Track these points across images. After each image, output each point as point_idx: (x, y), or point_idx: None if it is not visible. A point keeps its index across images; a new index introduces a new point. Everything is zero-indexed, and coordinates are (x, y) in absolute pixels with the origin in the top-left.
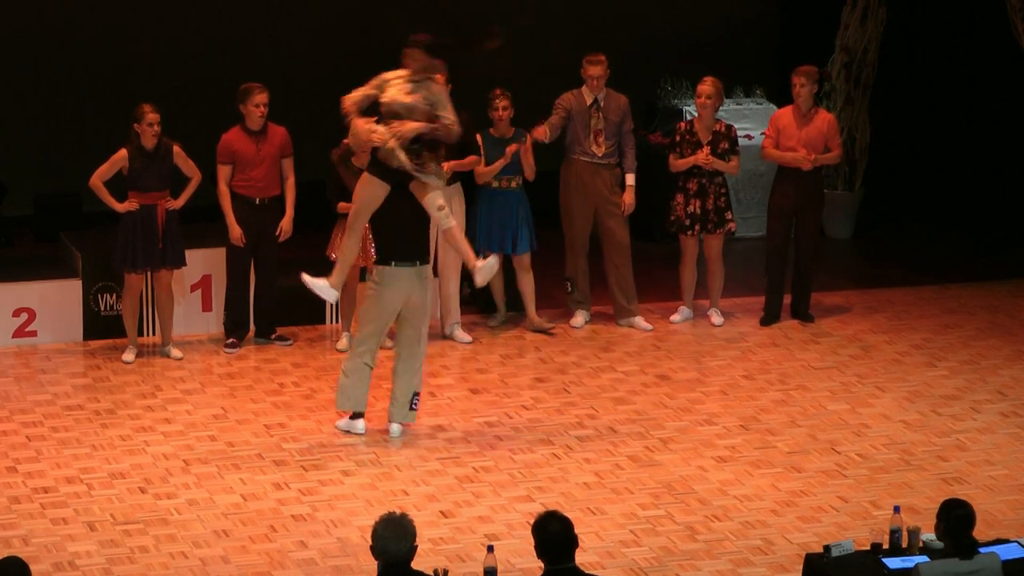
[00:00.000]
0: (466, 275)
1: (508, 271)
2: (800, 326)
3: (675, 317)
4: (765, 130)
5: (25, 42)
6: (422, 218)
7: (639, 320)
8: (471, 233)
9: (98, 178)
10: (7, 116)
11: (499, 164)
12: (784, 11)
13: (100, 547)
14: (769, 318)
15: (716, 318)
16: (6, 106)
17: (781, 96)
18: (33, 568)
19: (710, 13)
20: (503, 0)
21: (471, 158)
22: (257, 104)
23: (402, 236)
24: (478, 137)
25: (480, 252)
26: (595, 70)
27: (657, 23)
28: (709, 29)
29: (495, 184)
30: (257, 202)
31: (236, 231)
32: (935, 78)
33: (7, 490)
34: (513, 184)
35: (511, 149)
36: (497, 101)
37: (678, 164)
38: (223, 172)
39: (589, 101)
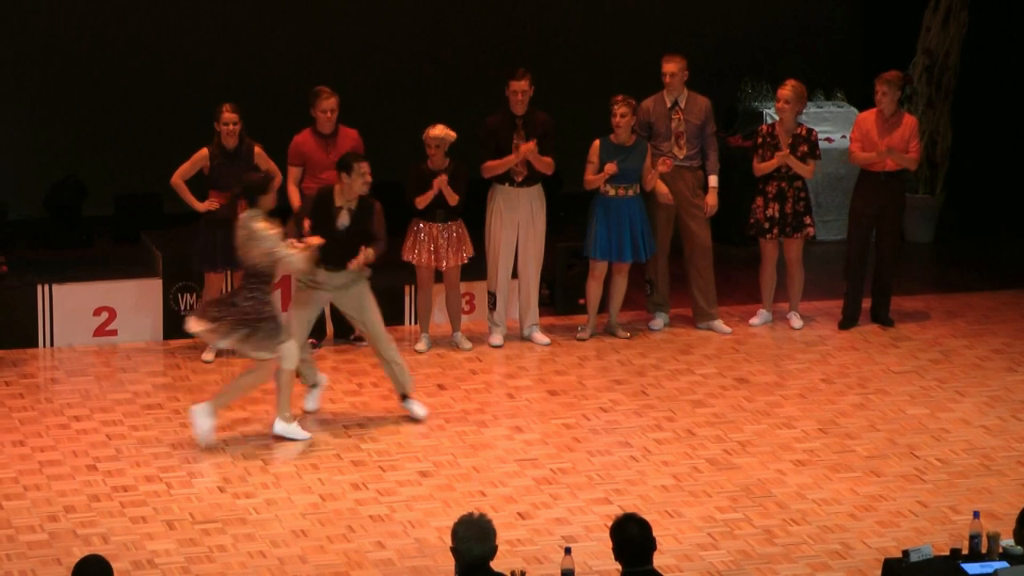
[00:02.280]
0: (545, 276)
1: (606, 279)
2: (880, 330)
3: (754, 320)
4: (850, 134)
5: (106, 44)
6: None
7: (718, 323)
8: (588, 238)
9: (179, 177)
10: (88, 117)
11: (602, 176)
12: (866, 14)
13: (179, 546)
14: (847, 322)
15: (795, 321)
16: (87, 107)
17: (862, 99)
18: (112, 566)
19: (791, 15)
20: (575, 8)
21: (548, 159)
22: (324, 110)
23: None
24: (595, 143)
25: (592, 258)
26: (668, 67)
27: (738, 25)
28: (790, 31)
29: (612, 192)
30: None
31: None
32: (1017, 81)
33: (87, 488)
34: (630, 192)
35: (610, 167)
36: (616, 108)
37: (761, 168)
38: (293, 173)
39: (669, 103)
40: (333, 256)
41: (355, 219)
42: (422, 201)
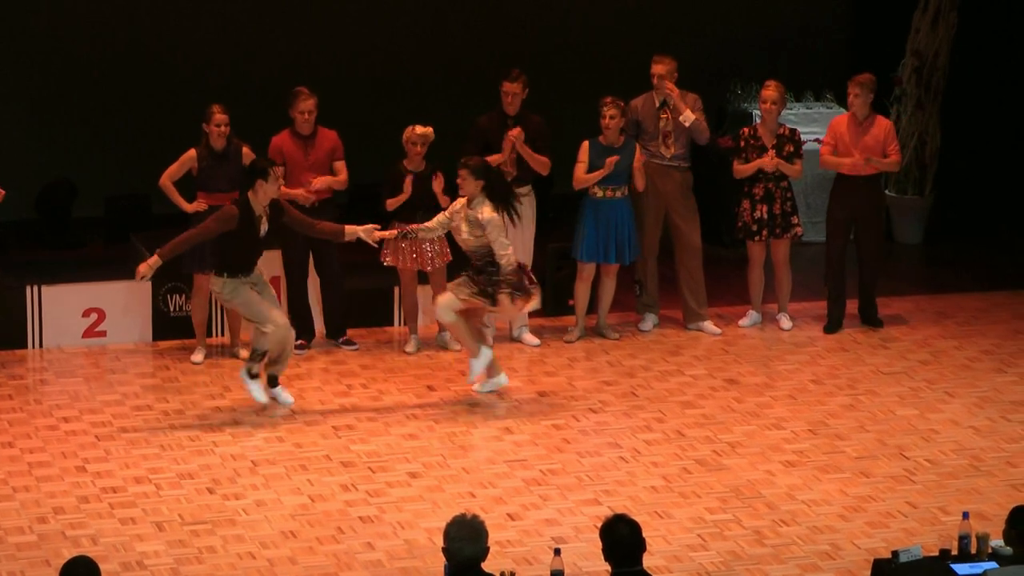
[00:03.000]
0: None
1: (595, 281)
2: (869, 331)
3: (743, 321)
4: (825, 136)
5: (97, 46)
6: None
7: (708, 324)
8: (577, 240)
9: (167, 178)
10: (79, 118)
11: (598, 174)
12: (855, 15)
13: (168, 547)
14: (832, 326)
15: (784, 323)
16: (78, 108)
17: None
18: (101, 567)
19: (781, 16)
20: (567, 8)
21: (542, 158)
22: (302, 111)
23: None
24: (585, 144)
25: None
26: (657, 68)
27: (728, 26)
28: (780, 32)
29: (600, 193)
30: (308, 206)
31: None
32: (1006, 82)
33: (76, 489)
34: (618, 194)
35: (612, 160)
36: (605, 110)
37: (743, 169)
38: None
39: (657, 103)
40: (253, 264)
41: (272, 223)
42: (393, 203)
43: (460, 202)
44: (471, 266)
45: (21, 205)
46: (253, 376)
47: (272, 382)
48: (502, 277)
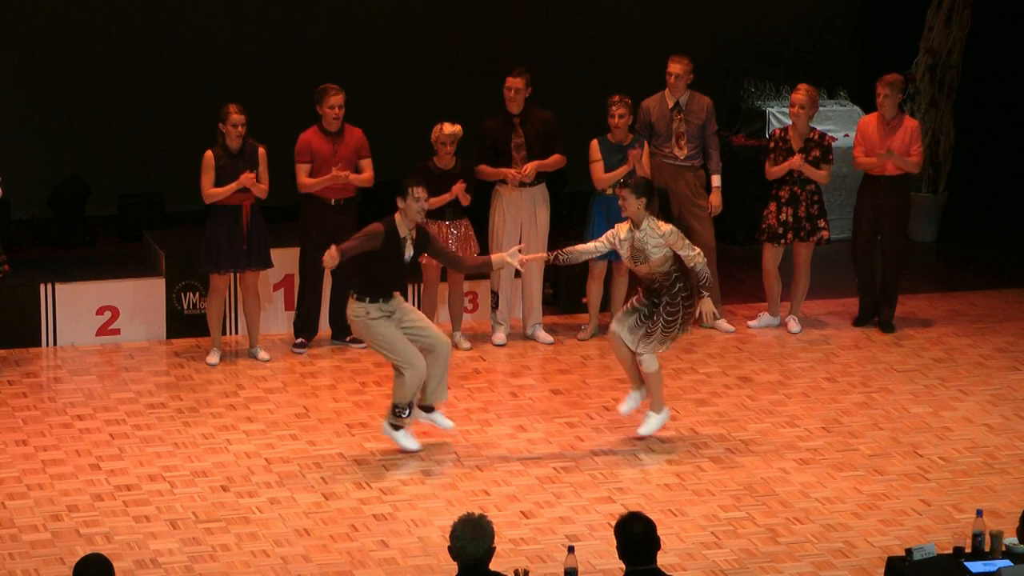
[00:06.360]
0: (548, 275)
1: (607, 279)
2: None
3: (752, 323)
4: (854, 138)
5: (109, 44)
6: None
7: (722, 322)
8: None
9: (208, 188)
10: (92, 117)
11: (622, 170)
12: (868, 13)
13: (182, 545)
14: (862, 319)
15: (793, 326)
16: (91, 107)
17: (865, 98)
18: (115, 565)
19: (794, 14)
20: (577, 7)
21: (555, 157)
22: (332, 106)
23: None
24: (594, 143)
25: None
26: (674, 67)
27: (740, 24)
28: (793, 30)
29: (609, 191)
30: (332, 203)
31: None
32: (1020, 80)
33: (90, 487)
34: None
35: (634, 154)
36: (614, 108)
37: (773, 171)
38: (303, 170)
39: (671, 103)
40: (393, 289)
41: (417, 249)
42: (437, 202)
43: (623, 227)
44: (643, 293)
45: (35, 203)
46: (396, 427)
47: (428, 408)
48: (702, 282)
